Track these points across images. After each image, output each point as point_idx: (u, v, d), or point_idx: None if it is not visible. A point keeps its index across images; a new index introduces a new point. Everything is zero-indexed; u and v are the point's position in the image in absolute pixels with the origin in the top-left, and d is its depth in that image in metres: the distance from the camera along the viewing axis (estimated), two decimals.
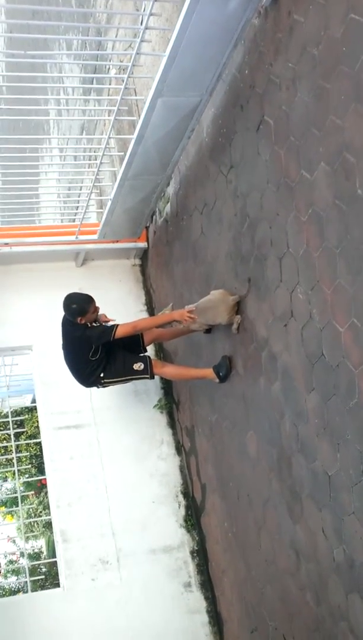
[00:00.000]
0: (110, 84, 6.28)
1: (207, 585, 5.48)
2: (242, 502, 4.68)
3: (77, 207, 6.36)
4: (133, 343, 5.08)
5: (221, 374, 4.70)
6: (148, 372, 4.93)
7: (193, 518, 5.73)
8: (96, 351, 4.81)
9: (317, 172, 3.23)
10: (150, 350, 5.66)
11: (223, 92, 4.35)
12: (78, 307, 4.71)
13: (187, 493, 5.85)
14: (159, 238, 6.16)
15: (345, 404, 3.18)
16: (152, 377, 4.99)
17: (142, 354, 5.09)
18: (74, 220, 6.39)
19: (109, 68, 6.52)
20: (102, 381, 4.97)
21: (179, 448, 6.03)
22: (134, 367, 4.92)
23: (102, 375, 4.93)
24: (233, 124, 4.25)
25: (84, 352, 4.83)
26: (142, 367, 4.92)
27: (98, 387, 5.09)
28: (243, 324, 4.35)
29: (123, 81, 4.30)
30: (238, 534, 4.82)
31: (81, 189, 6.24)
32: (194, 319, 4.61)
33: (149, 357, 5.04)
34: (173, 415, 6.15)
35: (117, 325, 4.76)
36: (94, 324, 4.82)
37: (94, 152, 5.61)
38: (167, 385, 6.23)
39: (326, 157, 3.14)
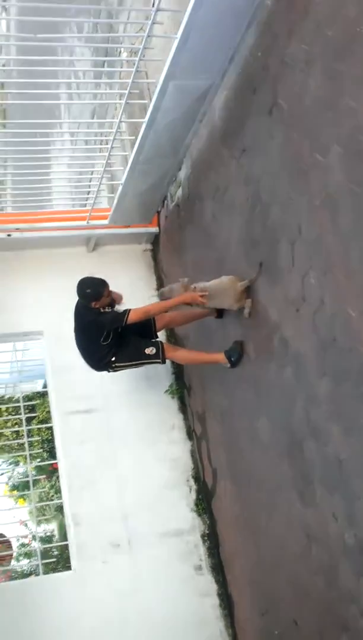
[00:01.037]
0: (121, 67, 6.24)
1: (218, 569, 5.50)
2: (253, 486, 4.69)
3: (88, 192, 6.33)
4: (145, 328, 5.08)
5: (232, 358, 4.70)
6: (160, 357, 4.93)
7: (204, 502, 5.75)
8: (107, 336, 4.81)
9: (331, 155, 3.20)
10: (161, 336, 5.66)
11: (235, 75, 4.32)
12: (93, 291, 4.72)
13: (198, 477, 5.87)
14: (171, 223, 6.14)
15: (357, 389, 3.16)
16: (163, 362, 4.99)
17: (154, 339, 5.10)
18: (85, 205, 6.39)
19: (120, 51, 6.48)
20: (114, 365, 4.98)
21: (190, 433, 6.04)
22: (146, 351, 4.93)
23: (113, 359, 4.93)
24: (245, 107, 4.22)
25: (96, 337, 4.83)
26: (154, 351, 4.93)
27: (109, 372, 5.09)
28: (255, 308, 4.34)
29: (134, 64, 4.27)
30: (248, 518, 4.84)
31: (92, 174, 6.22)
32: (204, 302, 4.62)
33: (161, 342, 5.05)
34: (184, 401, 6.16)
35: (130, 310, 4.76)
36: (107, 309, 4.82)
37: (105, 136, 5.58)
38: (178, 371, 6.24)
39: (340, 139, 3.11)
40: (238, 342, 4.70)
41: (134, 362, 5.02)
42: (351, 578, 3.39)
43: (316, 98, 3.31)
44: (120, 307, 4.94)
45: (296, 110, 3.53)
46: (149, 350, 4.93)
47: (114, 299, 4.96)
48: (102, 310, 4.80)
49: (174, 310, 5.20)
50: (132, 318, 4.73)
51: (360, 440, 3.19)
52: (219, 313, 4.96)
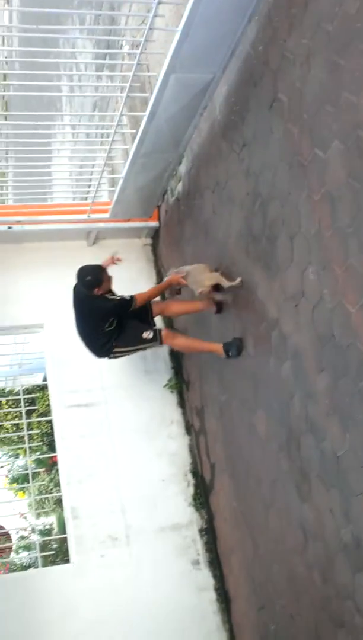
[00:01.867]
0: (123, 60, 6.21)
1: (215, 563, 5.51)
2: (251, 481, 4.69)
3: (89, 185, 6.32)
4: (142, 315, 5.19)
5: (230, 353, 4.73)
6: (157, 339, 5.04)
7: (202, 497, 5.75)
8: (112, 323, 4.92)
9: (330, 150, 3.19)
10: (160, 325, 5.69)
11: (236, 69, 4.30)
12: (93, 278, 4.81)
13: (196, 472, 5.87)
14: (171, 217, 6.13)
15: (355, 385, 3.16)
16: (161, 344, 5.10)
17: (151, 325, 5.21)
18: (86, 199, 6.37)
19: (122, 44, 6.45)
20: (114, 350, 5.08)
21: (188, 427, 6.04)
22: (143, 335, 5.03)
23: (114, 344, 5.03)
24: (246, 101, 4.20)
25: (101, 323, 4.94)
26: (151, 335, 5.04)
27: (109, 357, 5.19)
28: (253, 303, 4.33)
29: (136, 57, 4.25)
30: (246, 513, 4.84)
31: (93, 167, 6.20)
32: (184, 282, 4.97)
33: (159, 328, 5.21)
34: (183, 395, 6.16)
35: (135, 296, 4.94)
36: (111, 296, 4.94)
37: (107, 129, 5.56)
38: (177, 365, 6.24)
39: (340, 134, 3.10)
40: (237, 338, 4.70)
41: (133, 347, 5.13)
42: (347, 574, 3.39)
43: (316, 93, 3.30)
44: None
45: (296, 105, 3.52)
46: (147, 334, 5.04)
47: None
48: (108, 297, 4.91)
49: (173, 300, 5.27)
50: (140, 301, 4.96)
51: (357, 436, 3.19)
52: (219, 309, 4.95)
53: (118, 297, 4.96)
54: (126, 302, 4.91)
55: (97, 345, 5.10)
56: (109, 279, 4.92)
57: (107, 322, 4.91)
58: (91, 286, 4.81)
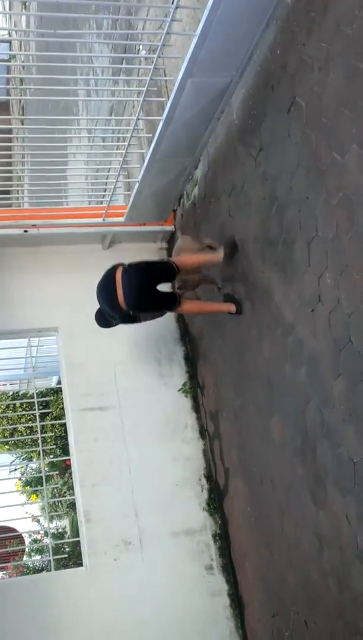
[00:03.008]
0: (139, 65, 6.23)
1: (229, 569, 5.49)
2: (265, 486, 4.67)
3: (105, 189, 6.33)
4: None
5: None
6: (176, 270, 4.91)
7: (216, 502, 5.73)
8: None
9: (349, 155, 3.18)
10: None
11: (253, 73, 4.29)
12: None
13: (210, 477, 5.86)
14: (187, 221, 6.12)
15: None
16: (176, 275, 4.97)
17: None
18: (101, 203, 6.39)
19: (139, 48, 6.46)
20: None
21: (203, 432, 6.03)
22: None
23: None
24: (263, 105, 4.19)
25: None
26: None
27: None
28: (269, 308, 4.31)
29: (153, 61, 4.26)
30: (260, 519, 4.82)
31: (108, 171, 6.22)
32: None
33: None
34: (197, 399, 6.15)
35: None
36: None
37: (123, 133, 5.57)
38: (192, 370, 6.23)
39: (358, 139, 3.08)
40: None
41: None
42: None
43: (335, 97, 3.28)
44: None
45: (314, 109, 3.50)
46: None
47: None
48: None
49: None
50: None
51: None
52: (237, 309, 4.91)
53: None
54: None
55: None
56: None
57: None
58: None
